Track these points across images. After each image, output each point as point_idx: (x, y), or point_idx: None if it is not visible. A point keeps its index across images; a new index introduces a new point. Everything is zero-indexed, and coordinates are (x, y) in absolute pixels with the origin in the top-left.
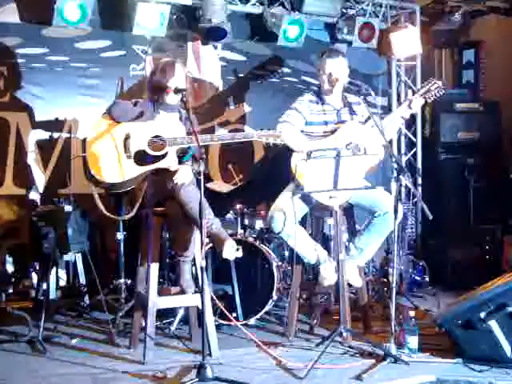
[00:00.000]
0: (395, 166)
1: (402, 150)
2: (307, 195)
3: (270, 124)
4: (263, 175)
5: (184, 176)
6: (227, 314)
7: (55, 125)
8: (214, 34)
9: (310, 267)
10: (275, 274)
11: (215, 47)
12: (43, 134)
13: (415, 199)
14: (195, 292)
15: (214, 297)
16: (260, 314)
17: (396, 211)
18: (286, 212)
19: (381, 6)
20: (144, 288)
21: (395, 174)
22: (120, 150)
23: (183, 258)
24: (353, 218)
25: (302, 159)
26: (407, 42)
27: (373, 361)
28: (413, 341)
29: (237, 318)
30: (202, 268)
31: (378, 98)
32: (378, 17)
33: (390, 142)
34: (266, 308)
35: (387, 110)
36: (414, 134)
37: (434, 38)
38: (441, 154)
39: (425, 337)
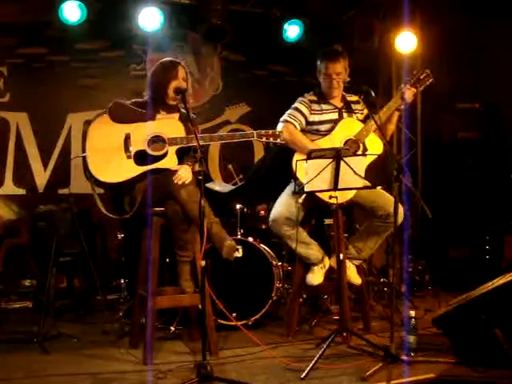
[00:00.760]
0: (395, 165)
1: (402, 150)
2: (307, 195)
3: (270, 124)
4: (263, 175)
5: (184, 176)
6: (227, 314)
7: (55, 125)
8: (214, 34)
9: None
10: (275, 274)
11: (215, 47)
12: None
13: (415, 199)
14: (195, 292)
15: (214, 297)
16: (260, 314)
17: (396, 212)
18: (286, 212)
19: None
20: (144, 288)
21: (395, 174)
22: (120, 150)
23: (183, 258)
24: (352, 217)
25: (303, 159)
26: None
27: (373, 361)
28: (413, 341)
29: (237, 318)
30: (202, 268)
31: (378, 97)
32: (378, 17)
33: (390, 142)
34: (266, 308)
35: None
36: (414, 134)
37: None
38: (441, 154)
39: (425, 337)
